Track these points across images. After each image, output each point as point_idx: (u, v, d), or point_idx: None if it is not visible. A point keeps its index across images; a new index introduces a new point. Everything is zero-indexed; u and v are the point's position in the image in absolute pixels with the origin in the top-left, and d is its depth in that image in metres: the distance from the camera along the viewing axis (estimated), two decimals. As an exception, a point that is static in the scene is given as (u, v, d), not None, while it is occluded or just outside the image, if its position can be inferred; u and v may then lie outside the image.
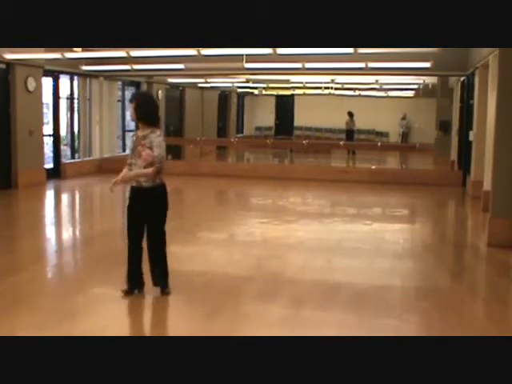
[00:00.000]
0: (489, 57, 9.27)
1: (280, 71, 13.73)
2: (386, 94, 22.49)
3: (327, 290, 5.53)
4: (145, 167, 4.86)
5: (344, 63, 11.18)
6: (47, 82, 13.05)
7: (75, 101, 14.45)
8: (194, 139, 17.93)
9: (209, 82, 18.30)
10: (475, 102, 11.14)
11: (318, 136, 26.52)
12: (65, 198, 12.25)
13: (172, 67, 12.73)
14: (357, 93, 22.25)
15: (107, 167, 13.61)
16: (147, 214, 5.00)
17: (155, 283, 5.12)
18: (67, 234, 8.39)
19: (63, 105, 14.23)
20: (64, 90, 14.10)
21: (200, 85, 19.56)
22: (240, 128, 27.32)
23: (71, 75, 13.99)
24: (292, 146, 20.32)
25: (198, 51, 9.30)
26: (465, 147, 12.97)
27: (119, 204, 10.24)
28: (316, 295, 5.33)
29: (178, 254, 6.40)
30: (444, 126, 19.38)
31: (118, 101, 16.35)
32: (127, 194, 5.17)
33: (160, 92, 17.29)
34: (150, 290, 5.11)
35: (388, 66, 11.59)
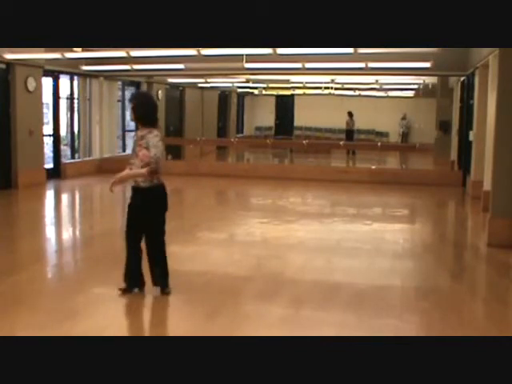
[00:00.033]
0: (489, 57, 9.27)
1: (280, 71, 13.73)
2: (386, 94, 22.49)
3: (327, 290, 5.52)
4: (142, 167, 4.88)
5: (344, 63, 11.18)
6: (47, 82, 13.05)
7: (75, 101, 14.45)
8: (193, 139, 17.92)
9: (209, 82, 18.30)
10: (475, 101, 11.15)
11: (318, 136, 26.53)
12: (65, 198, 12.26)
13: (172, 67, 12.73)
14: (357, 93, 22.25)
15: (107, 167, 13.60)
16: (145, 213, 5.01)
17: (155, 283, 5.12)
18: (67, 234, 8.39)
19: (63, 105, 14.23)
20: (64, 90, 14.10)
21: (200, 85, 19.57)
22: (240, 128, 27.32)
23: (71, 75, 13.99)
24: (292, 146, 20.33)
25: (198, 51, 9.30)
26: (465, 147, 12.97)
27: (119, 204, 10.24)
28: (316, 295, 5.32)
29: (177, 254, 6.40)
30: (444, 126, 19.38)
31: (118, 101, 16.35)
32: (127, 194, 5.18)
33: (160, 92, 17.29)
34: (150, 290, 5.12)
35: (388, 66, 11.59)
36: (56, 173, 13.23)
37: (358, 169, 16.10)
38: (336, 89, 19.52)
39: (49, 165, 13.22)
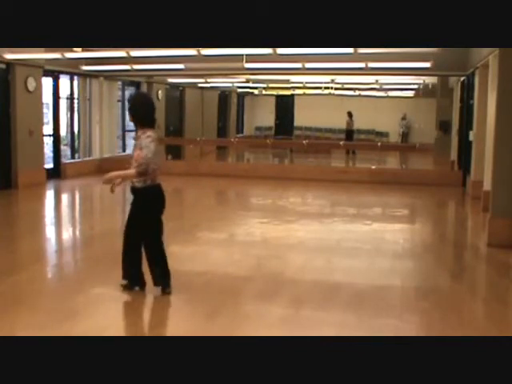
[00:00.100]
0: (489, 57, 9.27)
1: (280, 71, 13.73)
2: (386, 94, 22.49)
3: (327, 290, 5.52)
4: (135, 168, 4.91)
5: (344, 63, 11.18)
6: (47, 82, 13.05)
7: (75, 101, 14.44)
8: (193, 139, 17.92)
9: (209, 82, 18.30)
10: (475, 101, 11.15)
11: (318, 136, 26.54)
12: (65, 198, 12.25)
13: (172, 67, 12.73)
14: (357, 93, 22.25)
15: (107, 167, 13.44)
16: (142, 213, 5.03)
17: (155, 283, 5.12)
18: (67, 234, 8.39)
19: (63, 105, 14.23)
20: (64, 90, 14.09)
21: (200, 85, 19.57)
22: (240, 128, 27.32)
23: (71, 75, 13.99)
24: (292, 146, 20.31)
25: (198, 51, 9.30)
26: (465, 147, 12.97)
27: (119, 204, 10.25)
28: (316, 295, 5.32)
29: (177, 254, 6.40)
30: (444, 126, 19.39)
31: (118, 101, 16.35)
32: (127, 194, 5.19)
33: (160, 92, 17.29)
34: (151, 290, 5.12)
35: (388, 66, 11.59)
36: (56, 173, 13.23)
37: (357, 169, 16.10)
38: (336, 89, 19.53)
39: (49, 165, 13.21)
